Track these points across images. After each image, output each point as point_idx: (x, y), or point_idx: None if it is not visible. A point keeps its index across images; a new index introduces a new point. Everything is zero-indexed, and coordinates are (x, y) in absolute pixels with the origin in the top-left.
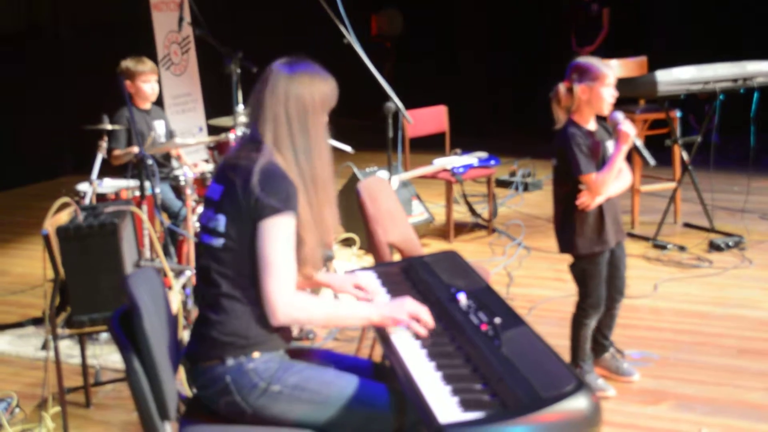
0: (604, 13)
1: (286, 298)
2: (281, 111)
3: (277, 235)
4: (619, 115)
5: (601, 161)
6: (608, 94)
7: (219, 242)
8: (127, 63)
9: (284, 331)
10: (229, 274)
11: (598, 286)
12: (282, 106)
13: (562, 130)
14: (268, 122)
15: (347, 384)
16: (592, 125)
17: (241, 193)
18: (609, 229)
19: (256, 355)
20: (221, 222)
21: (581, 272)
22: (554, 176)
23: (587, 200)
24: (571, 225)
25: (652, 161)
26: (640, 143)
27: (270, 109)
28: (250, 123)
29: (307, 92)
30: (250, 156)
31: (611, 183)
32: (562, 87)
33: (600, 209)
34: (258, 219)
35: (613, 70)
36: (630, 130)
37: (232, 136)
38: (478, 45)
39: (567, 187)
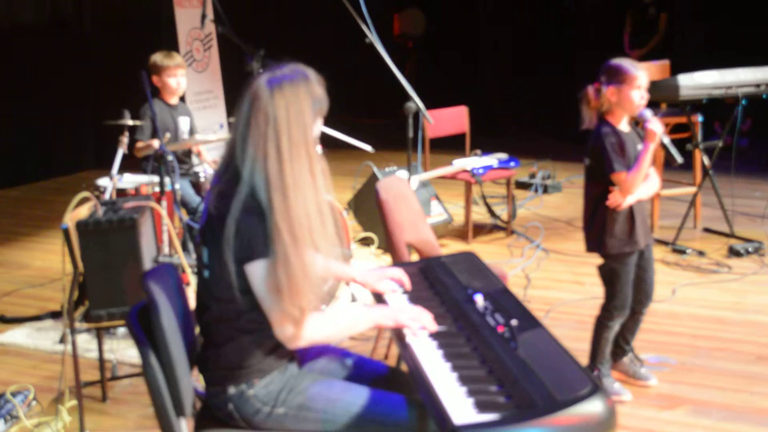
0: (661, 18)
1: (294, 330)
2: (260, 140)
3: (260, 279)
4: (647, 113)
5: (631, 163)
6: (637, 96)
7: (206, 273)
8: (155, 57)
9: (282, 347)
10: (217, 306)
11: (624, 287)
12: (261, 135)
13: (596, 129)
14: (248, 150)
15: (356, 398)
16: (624, 126)
17: (218, 230)
18: (639, 230)
19: (256, 381)
20: (205, 253)
21: (610, 272)
22: (586, 175)
23: (618, 199)
24: (602, 224)
25: (679, 158)
26: (667, 140)
27: (251, 137)
28: (231, 145)
29: (283, 115)
30: (228, 190)
31: (640, 182)
32: (591, 89)
33: (630, 210)
34: (239, 262)
35: (644, 72)
36: (657, 128)
37: None
38: (500, 46)
39: (599, 186)
